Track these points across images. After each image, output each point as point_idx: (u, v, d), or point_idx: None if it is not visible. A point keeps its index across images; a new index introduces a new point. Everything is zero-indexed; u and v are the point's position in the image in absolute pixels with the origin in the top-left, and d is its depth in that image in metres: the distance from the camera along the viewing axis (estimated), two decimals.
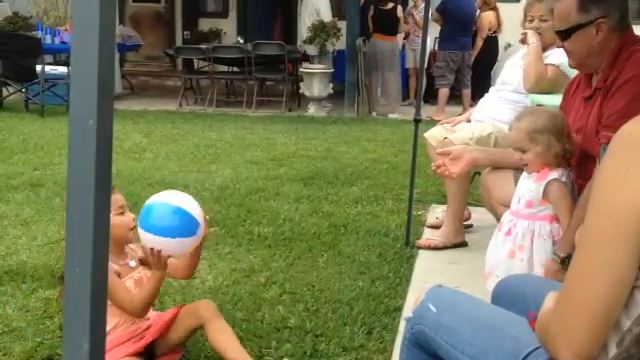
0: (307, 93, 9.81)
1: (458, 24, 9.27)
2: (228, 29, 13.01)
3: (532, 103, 3.37)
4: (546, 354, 1.27)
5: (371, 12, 9.72)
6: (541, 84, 3.44)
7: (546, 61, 3.46)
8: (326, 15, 10.17)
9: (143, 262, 2.51)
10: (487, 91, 4.02)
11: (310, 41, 10.20)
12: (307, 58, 10.26)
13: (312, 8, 10.19)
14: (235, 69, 10.75)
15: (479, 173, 3.81)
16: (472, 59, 9.67)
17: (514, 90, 3.71)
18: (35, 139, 7.01)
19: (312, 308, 2.98)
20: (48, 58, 9.67)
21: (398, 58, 9.89)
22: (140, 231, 2.26)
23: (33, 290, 3.10)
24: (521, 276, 2.17)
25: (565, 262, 2.26)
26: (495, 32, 9.99)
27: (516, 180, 2.67)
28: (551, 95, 3.31)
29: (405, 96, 10.43)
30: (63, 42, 9.60)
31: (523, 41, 3.60)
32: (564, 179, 2.47)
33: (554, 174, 2.46)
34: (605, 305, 1.11)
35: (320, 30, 10.06)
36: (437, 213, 4.37)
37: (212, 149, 6.78)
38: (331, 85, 9.83)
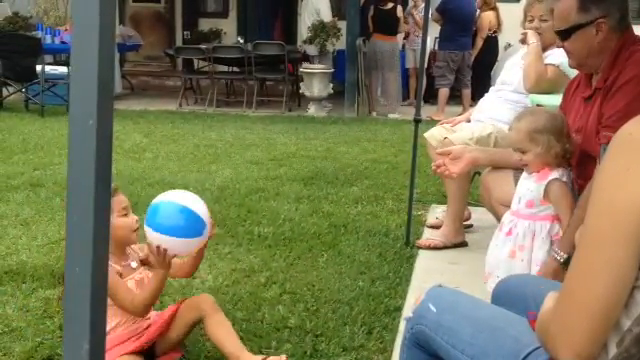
0: (307, 93, 9.81)
1: (458, 24, 9.27)
2: (228, 29, 13.01)
3: (532, 103, 3.37)
4: (546, 354, 1.27)
5: (371, 12, 9.72)
6: (541, 84, 3.44)
7: (546, 61, 3.46)
8: (326, 15, 10.17)
9: (144, 262, 2.52)
10: (487, 91, 4.02)
11: (310, 41, 10.20)
12: (307, 58, 10.26)
13: (312, 8, 10.18)
14: (235, 69, 10.75)
15: (479, 173, 3.81)
16: (472, 59, 9.67)
17: (514, 90, 3.71)
18: (35, 139, 7.01)
19: (312, 308, 2.98)
20: (48, 58, 9.68)
21: (398, 58, 9.89)
22: (147, 229, 2.27)
23: (33, 290, 3.10)
24: (521, 276, 2.17)
25: (567, 263, 2.26)
26: (495, 32, 9.99)
27: (516, 180, 2.67)
28: (551, 95, 3.31)
29: (405, 96, 10.43)
30: (63, 42, 9.61)
31: (523, 41, 3.60)
32: (565, 179, 2.47)
33: (555, 174, 2.46)
34: (605, 305, 1.11)
35: (320, 30, 10.07)
36: (437, 213, 4.37)
37: (212, 149, 6.79)
38: (331, 85, 9.83)
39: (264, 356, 2.35)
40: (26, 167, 5.69)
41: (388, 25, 9.68)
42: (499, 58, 9.80)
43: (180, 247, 2.30)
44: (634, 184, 1.08)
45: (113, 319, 2.34)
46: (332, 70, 9.95)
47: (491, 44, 9.99)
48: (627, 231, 1.08)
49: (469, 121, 3.96)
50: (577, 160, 2.53)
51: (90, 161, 1.11)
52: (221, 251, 3.65)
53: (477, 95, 7.42)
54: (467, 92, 9.58)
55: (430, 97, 9.95)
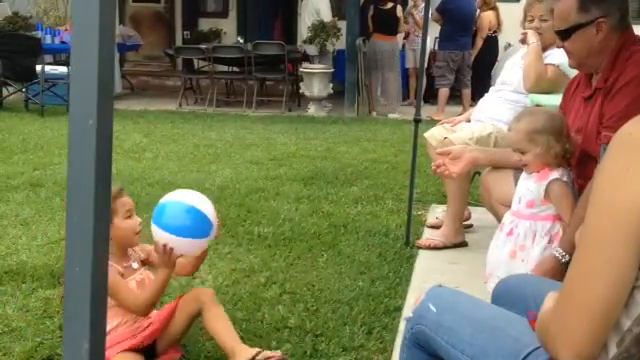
0: (307, 93, 9.81)
1: (458, 24, 9.27)
2: (228, 29, 13.01)
3: (532, 103, 3.37)
4: (546, 354, 1.27)
5: (371, 12, 9.72)
6: (541, 84, 3.44)
7: (546, 61, 3.46)
8: (326, 15, 10.17)
9: (145, 263, 2.52)
10: (487, 91, 4.02)
11: (310, 41, 10.20)
12: (307, 58, 10.26)
13: (312, 8, 10.18)
14: (235, 69, 10.75)
15: (479, 173, 3.81)
16: (472, 59, 9.67)
17: (514, 90, 3.71)
18: (35, 139, 7.01)
19: (312, 308, 2.98)
20: (48, 58, 9.67)
21: (398, 58, 9.89)
22: (154, 227, 2.28)
23: (33, 290, 3.10)
24: (521, 276, 2.17)
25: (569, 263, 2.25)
26: (495, 32, 9.99)
27: (516, 180, 2.66)
28: (551, 95, 3.31)
29: (405, 96, 10.43)
30: (63, 42, 9.60)
31: (523, 41, 3.59)
32: (565, 179, 2.46)
33: (555, 174, 2.46)
34: (605, 305, 1.11)
35: (320, 30, 10.06)
36: (437, 213, 4.37)
37: (212, 149, 6.79)
38: (331, 85, 9.83)
39: (259, 349, 2.35)
40: (26, 167, 5.69)
41: (388, 25, 9.68)
42: (499, 58, 9.80)
43: (186, 247, 2.31)
44: (634, 184, 1.08)
45: (114, 319, 2.34)
46: (332, 70, 9.95)
47: (491, 44, 9.99)
48: (627, 231, 1.08)
49: (469, 121, 3.96)
50: (577, 160, 2.53)
51: (90, 161, 1.11)
52: (221, 251, 3.65)
53: (477, 95, 7.42)
54: (467, 92, 9.58)
55: (430, 97, 9.95)
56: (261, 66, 10.07)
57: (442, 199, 4.48)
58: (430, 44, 9.69)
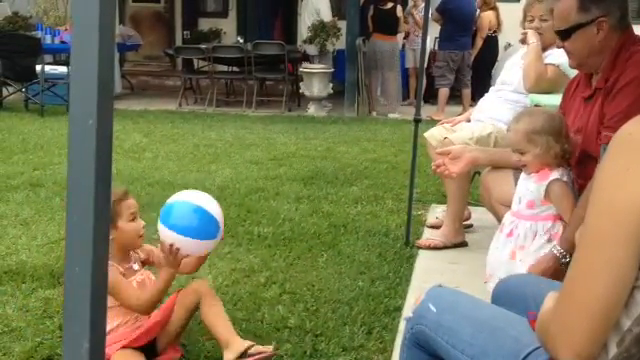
0: (307, 93, 9.81)
1: (458, 24, 9.27)
2: (228, 29, 13.01)
3: (532, 103, 3.37)
4: (546, 354, 1.27)
5: (371, 12, 9.72)
6: (541, 84, 3.44)
7: (546, 61, 3.46)
8: (326, 15, 10.16)
9: (145, 263, 2.52)
10: (487, 91, 4.02)
11: (310, 41, 10.20)
12: (307, 58, 10.25)
13: (312, 8, 10.18)
14: (235, 69, 10.75)
15: (479, 173, 3.81)
16: (472, 59, 9.67)
17: (514, 90, 3.71)
18: (35, 139, 7.01)
19: (312, 308, 2.98)
20: (48, 58, 9.66)
21: (398, 58, 9.89)
22: (161, 227, 2.29)
23: (33, 290, 3.10)
24: (521, 276, 2.17)
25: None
26: (495, 32, 9.98)
27: (516, 180, 2.66)
28: (551, 95, 3.31)
29: (405, 96, 10.43)
30: (63, 42, 9.60)
31: (523, 41, 3.59)
32: (565, 179, 2.46)
33: (555, 174, 2.45)
34: (605, 305, 1.11)
35: (320, 30, 10.06)
36: (437, 213, 4.37)
37: (212, 149, 6.79)
38: (331, 85, 9.82)
39: (252, 343, 2.37)
40: (26, 167, 5.69)
41: (388, 25, 9.67)
42: (499, 58, 9.80)
43: (193, 248, 2.33)
44: (634, 184, 1.08)
45: (115, 319, 2.34)
46: (332, 70, 9.95)
47: (491, 44, 9.99)
48: (627, 231, 1.08)
49: (469, 121, 3.96)
50: (577, 160, 2.52)
51: (90, 161, 1.11)
52: (221, 251, 3.65)
53: (477, 95, 7.42)
54: (467, 92, 9.58)
55: (430, 97, 9.95)
56: (261, 66, 10.07)
57: (442, 199, 4.48)
58: (430, 44, 9.69)
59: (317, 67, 9.81)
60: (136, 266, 2.45)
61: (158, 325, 2.39)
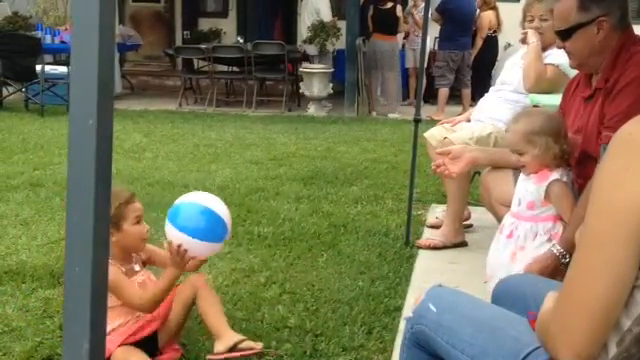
0: (307, 93, 9.81)
1: (458, 24, 9.27)
2: (228, 29, 13.01)
3: (532, 103, 3.37)
4: (546, 354, 1.27)
5: (371, 12, 9.71)
6: (541, 84, 3.44)
7: (546, 61, 3.46)
8: (326, 15, 10.16)
9: (145, 263, 2.52)
10: (487, 91, 4.02)
11: (310, 41, 10.19)
12: (307, 58, 10.25)
13: (312, 8, 10.18)
14: (235, 69, 10.75)
15: (479, 173, 3.81)
16: (472, 59, 9.67)
17: (514, 90, 3.71)
18: (35, 139, 7.01)
19: (312, 308, 2.98)
20: (48, 58, 9.67)
21: (398, 58, 9.89)
22: (170, 227, 2.29)
23: (33, 290, 3.10)
24: (521, 276, 2.17)
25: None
26: (495, 32, 9.98)
27: (516, 180, 2.66)
28: (551, 95, 3.30)
29: (405, 96, 10.43)
30: (63, 42, 9.60)
31: (523, 40, 3.59)
32: (565, 179, 2.46)
33: (555, 175, 2.45)
34: (605, 305, 1.11)
35: (320, 30, 10.06)
36: (437, 213, 4.37)
37: (212, 149, 6.79)
38: (331, 85, 9.82)
39: (243, 338, 2.38)
40: (26, 167, 5.69)
41: (388, 25, 9.67)
42: (499, 58, 9.80)
43: (201, 249, 2.34)
44: (633, 184, 1.08)
45: (116, 319, 2.34)
46: (332, 70, 9.95)
47: (491, 44, 9.99)
48: (627, 231, 1.08)
49: (469, 121, 3.96)
50: (577, 160, 2.52)
51: (90, 161, 1.11)
52: (221, 251, 3.65)
53: (477, 95, 7.42)
54: (467, 92, 9.58)
55: (430, 97, 9.95)
56: (261, 66, 10.07)
57: (442, 199, 4.48)
58: (430, 44, 9.69)
59: (317, 67, 9.81)
60: (137, 267, 2.46)
61: (157, 318, 2.40)
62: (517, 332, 1.41)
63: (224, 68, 10.99)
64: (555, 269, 2.32)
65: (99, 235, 1.14)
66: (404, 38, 10.63)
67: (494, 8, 9.92)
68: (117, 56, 9.76)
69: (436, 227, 4.06)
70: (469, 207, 4.15)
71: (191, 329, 2.66)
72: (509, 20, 9.02)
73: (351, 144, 7.16)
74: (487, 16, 9.83)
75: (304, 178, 5.45)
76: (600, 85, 2.43)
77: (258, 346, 2.40)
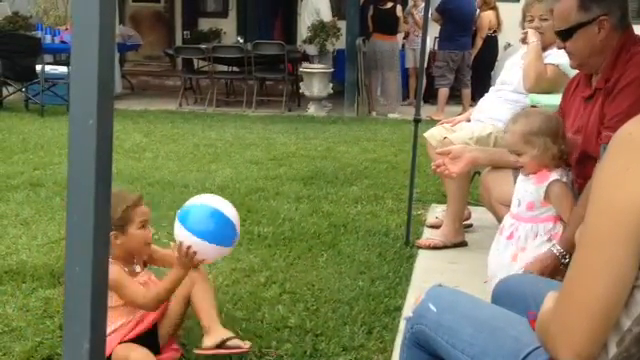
0: (307, 93, 9.81)
1: (458, 24, 9.27)
2: (228, 29, 13.01)
3: (532, 103, 3.37)
4: (546, 354, 1.27)
5: (370, 12, 9.71)
6: (541, 84, 3.44)
7: (546, 61, 3.46)
8: (326, 15, 10.16)
9: (146, 263, 2.52)
10: (487, 91, 4.02)
11: (310, 41, 10.20)
12: (307, 58, 10.25)
13: (312, 8, 10.18)
14: (235, 69, 10.75)
15: (479, 173, 3.81)
16: (472, 59, 9.67)
17: (514, 90, 3.71)
18: (35, 139, 7.01)
19: (312, 308, 2.98)
20: (48, 58, 9.67)
21: (398, 58, 9.89)
22: (181, 228, 2.29)
23: (33, 290, 3.10)
24: (521, 276, 2.17)
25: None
26: (495, 32, 9.99)
27: (516, 180, 2.66)
28: (551, 95, 3.30)
29: (405, 96, 10.43)
30: (63, 42, 9.60)
31: (524, 40, 3.59)
32: (564, 179, 2.46)
33: (554, 175, 2.45)
34: (605, 305, 1.11)
35: (320, 30, 10.06)
36: (437, 213, 4.37)
37: (212, 149, 6.79)
38: (331, 85, 9.82)
39: (232, 335, 2.40)
40: (26, 167, 5.69)
41: (388, 25, 9.67)
42: (499, 58, 9.80)
43: (210, 252, 2.35)
44: (633, 184, 1.08)
45: (118, 319, 2.34)
46: (332, 70, 9.95)
47: (491, 44, 9.99)
48: (627, 230, 1.08)
49: (469, 121, 3.96)
50: (577, 159, 2.52)
51: (90, 161, 1.11)
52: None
53: (477, 95, 7.42)
54: (467, 92, 9.58)
55: (430, 97, 9.95)
56: (261, 66, 10.07)
57: (442, 199, 4.48)
58: (430, 44, 9.69)
59: (317, 67, 9.81)
60: (138, 268, 2.46)
61: (154, 315, 2.40)
62: (517, 332, 1.41)
63: (224, 68, 10.99)
64: (555, 269, 2.32)
65: (99, 235, 1.14)
66: (404, 38, 10.64)
67: (494, 8, 9.92)
68: (117, 56, 9.75)
69: (436, 227, 4.06)
70: (469, 207, 4.15)
71: (191, 329, 2.66)
72: (509, 20, 9.03)
73: (351, 144, 7.16)
74: (487, 16, 9.83)
75: (304, 178, 5.45)
76: (600, 85, 2.42)
77: (246, 345, 2.41)
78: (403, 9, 10.13)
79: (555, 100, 2.90)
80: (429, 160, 3.63)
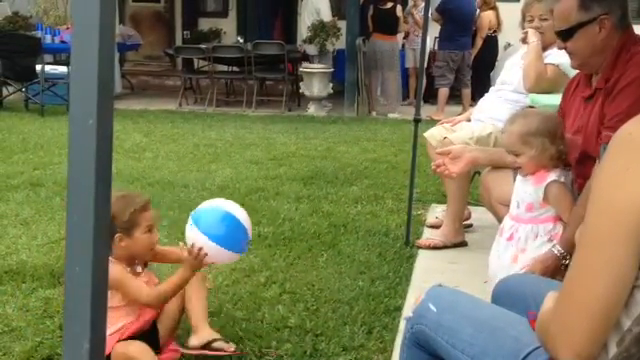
0: (307, 93, 9.81)
1: (458, 24, 9.27)
2: (228, 29, 13.01)
3: (532, 103, 3.37)
4: (546, 354, 1.27)
5: (371, 11, 9.71)
6: (541, 84, 3.44)
7: (546, 60, 3.46)
8: (326, 15, 10.16)
9: (146, 264, 2.52)
10: (487, 91, 4.02)
11: (310, 41, 10.20)
12: (307, 58, 10.25)
13: (312, 8, 10.18)
14: (235, 69, 10.75)
15: (479, 173, 3.81)
16: (472, 59, 9.67)
17: (514, 90, 3.71)
18: (35, 139, 7.01)
19: (312, 308, 2.98)
20: (48, 58, 9.67)
21: (398, 58, 9.89)
22: (195, 230, 2.30)
23: (33, 290, 3.10)
24: (521, 276, 2.17)
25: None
26: (495, 32, 9.99)
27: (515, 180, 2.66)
28: (551, 95, 3.30)
29: (405, 96, 10.43)
30: (63, 42, 9.60)
31: (524, 40, 3.59)
32: (563, 179, 2.46)
33: (552, 175, 2.45)
34: (605, 305, 1.11)
35: (320, 30, 10.06)
36: (437, 213, 4.37)
37: (212, 149, 6.79)
38: (331, 85, 9.82)
39: (218, 337, 2.41)
40: (26, 167, 5.69)
41: (388, 25, 9.67)
42: (499, 58, 9.80)
43: (220, 256, 2.36)
44: (633, 184, 1.08)
45: (120, 320, 2.33)
46: (332, 70, 9.95)
47: (491, 44, 9.99)
48: (627, 230, 1.08)
49: (469, 121, 3.96)
50: (577, 159, 2.52)
51: (90, 161, 1.11)
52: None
53: (477, 95, 7.43)
54: (467, 92, 9.58)
55: (430, 97, 9.95)
56: (261, 66, 10.07)
57: (442, 199, 4.48)
58: (430, 44, 9.69)
59: (317, 67, 9.81)
60: (139, 268, 2.45)
61: (152, 313, 2.40)
62: (517, 332, 1.41)
63: (224, 68, 11.00)
64: (556, 269, 2.31)
65: (99, 235, 1.14)
66: (404, 38, 10.64)
67: (494, 8, 9.92)
68: (117, 56, 9.76)
69: (436, 227, 4.06)
70: (469, 207, 4.15)
71: (191, 329, 2.65)
72: (509, 20, 9.02)
73: (351, 144, 7.16)
74: (487, 16, 9.84)
75: (304, 178, 5.45)
76: (600, 85, 2.42)
77: (230, 348, 2.42)
78: (403, 9, 10.13)
79: (555, 100, 2.90)
80: (429, 160, 3.63)
